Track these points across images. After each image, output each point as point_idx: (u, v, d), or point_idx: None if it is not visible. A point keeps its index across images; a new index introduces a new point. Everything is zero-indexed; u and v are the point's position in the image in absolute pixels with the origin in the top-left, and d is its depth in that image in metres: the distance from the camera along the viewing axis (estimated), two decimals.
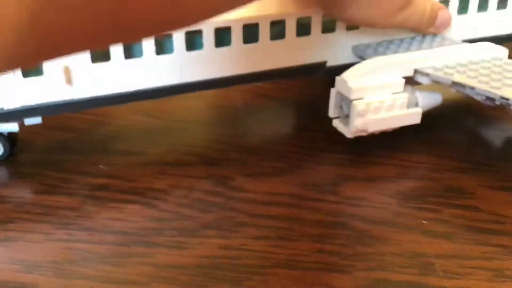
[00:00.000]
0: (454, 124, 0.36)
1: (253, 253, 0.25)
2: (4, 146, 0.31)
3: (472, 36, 0.37)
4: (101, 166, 0.31)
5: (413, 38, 0.35)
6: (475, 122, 0.36)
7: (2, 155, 0.31)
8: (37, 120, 0.30)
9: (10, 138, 0.31)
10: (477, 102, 0.30)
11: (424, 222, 0.27)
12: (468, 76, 0.30)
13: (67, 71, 0.28)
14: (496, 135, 0.35)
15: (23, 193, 0.29)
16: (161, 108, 0.37)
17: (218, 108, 0.39)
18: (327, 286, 0.24)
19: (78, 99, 0.29)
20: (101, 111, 0.35)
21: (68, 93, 0.29)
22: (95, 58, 0.28)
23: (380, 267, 0.25)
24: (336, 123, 0.32)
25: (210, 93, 0.37)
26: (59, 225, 0.27)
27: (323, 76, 0.35)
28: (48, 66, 0.27)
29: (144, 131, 0.35)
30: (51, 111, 0.29)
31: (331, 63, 0.34)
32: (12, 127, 0.30)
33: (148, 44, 0.29)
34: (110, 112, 0.36)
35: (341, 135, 0.31)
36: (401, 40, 0.35)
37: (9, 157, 0.31)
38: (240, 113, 0.38)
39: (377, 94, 0.30)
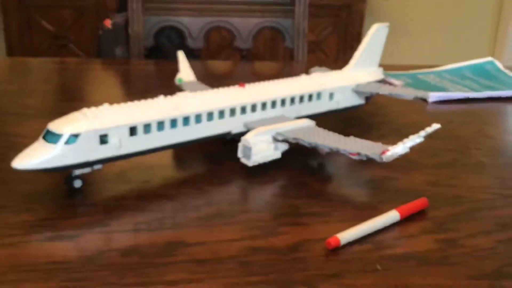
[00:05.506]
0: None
1: None
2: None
3: (297, 114, 0.74)
4: None
5: (268, 119, 0.70)
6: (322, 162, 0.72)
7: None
8: (99, 166, 0.58)
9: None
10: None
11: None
12: (297, 136, 0.66)
13: (120, 141, 0.57)
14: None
15: None
16: None
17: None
18: None
19: (124, 154, 0.58)
20: None
21: (118, 151, 0.57)
22: (132, 133, 0.58)
23: None
24: (242, 159, 0.65)
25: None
26: None
27: (229, 139, 0.68)
28: (111, 138, 0.56)
29: None
30: (109, 161, 0.57)
31: (233, 131, 0.68)
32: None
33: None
34: None
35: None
36: (266, 119, 0.70)
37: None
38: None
39: (261, 145, 0.64)
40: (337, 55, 2.53)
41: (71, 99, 0.95)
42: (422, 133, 0.59)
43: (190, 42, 1.35)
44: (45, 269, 0.45)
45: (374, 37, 0.84)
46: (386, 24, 0.85)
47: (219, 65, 1.33)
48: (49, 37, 2.43)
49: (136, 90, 1.00)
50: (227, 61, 1.65)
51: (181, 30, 1.35)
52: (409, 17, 2.86)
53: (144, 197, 0.58)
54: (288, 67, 1.31)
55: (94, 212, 0.54)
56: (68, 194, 0.58)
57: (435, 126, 0.59)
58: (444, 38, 2.94)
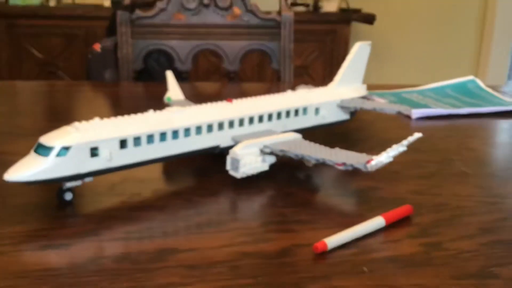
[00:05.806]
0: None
1: None
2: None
3: (283, 129, 0.76)
4: None
5: (256, 133, 0.71)
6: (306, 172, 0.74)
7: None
8: (90, 179, 0.59)
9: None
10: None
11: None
12: (284, 148, 0.67)
13: (110, 154, 0.58)
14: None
15: None
16: None
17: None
18: None
19: (114, 167, 0.59)
20: None
21: (109, 163, 0.58)
22: (122, 146, 0.59)
23: None
24: (230, 172, 0.66)
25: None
26: None
27: (217, 153, 0.70)
28: (102, 151, 0.57)
29: None
30: (99, 174, 0.58)
31: (222, 145, 0.69)
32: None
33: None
34: None
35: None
36: (254, 133, 0.71)
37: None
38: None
39: (249, 157, 0.66)
40: (324, 78, 2.57)
41: (61, 119, 0.96)
42: (405, 142, 0.61)
43: (178, 65, 1.37)
44: (37, 275, 0.45)
45: (357, 55, 0.87)
46: (368, 42, 0.88)
47: (207, 86, 1.35)
48: (37, 64, 2.45)
49: (125, 111, 1.01)
50: (215, 82, 1.68)
51: (169, 53, 1.37)
52: (393, 40, 2.93)
53: (135, 208, 0.59)
54: (275, 87, 1.34)
55: (85, 222, 0.55)
56: (59, 206, 0.58)
57: (417, 135, 0.61)
58: (428, 61, 3.00)
